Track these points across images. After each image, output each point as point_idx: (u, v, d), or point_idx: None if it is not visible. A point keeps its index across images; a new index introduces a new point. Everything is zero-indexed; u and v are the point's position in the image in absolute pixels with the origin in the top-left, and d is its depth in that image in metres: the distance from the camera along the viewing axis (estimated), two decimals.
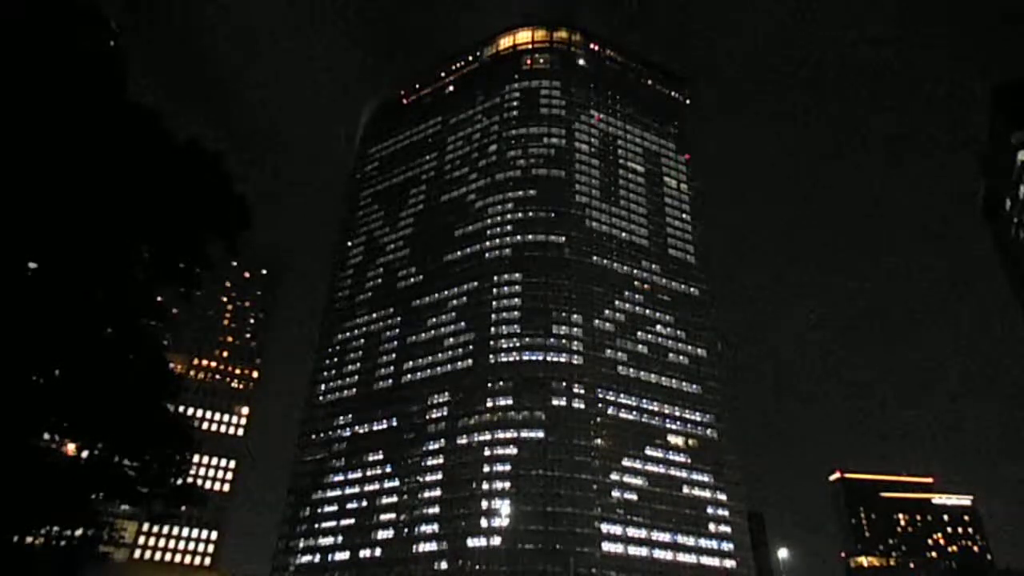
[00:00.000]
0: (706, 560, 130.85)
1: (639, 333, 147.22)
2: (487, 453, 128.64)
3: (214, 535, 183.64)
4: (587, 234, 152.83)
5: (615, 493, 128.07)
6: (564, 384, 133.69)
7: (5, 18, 18.72)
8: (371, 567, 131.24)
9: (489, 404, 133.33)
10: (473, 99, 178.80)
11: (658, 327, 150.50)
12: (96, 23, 20.83)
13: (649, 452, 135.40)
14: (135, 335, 22.17)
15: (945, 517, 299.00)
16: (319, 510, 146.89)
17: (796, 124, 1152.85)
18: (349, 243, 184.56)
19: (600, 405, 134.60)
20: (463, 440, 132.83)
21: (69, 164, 18.97)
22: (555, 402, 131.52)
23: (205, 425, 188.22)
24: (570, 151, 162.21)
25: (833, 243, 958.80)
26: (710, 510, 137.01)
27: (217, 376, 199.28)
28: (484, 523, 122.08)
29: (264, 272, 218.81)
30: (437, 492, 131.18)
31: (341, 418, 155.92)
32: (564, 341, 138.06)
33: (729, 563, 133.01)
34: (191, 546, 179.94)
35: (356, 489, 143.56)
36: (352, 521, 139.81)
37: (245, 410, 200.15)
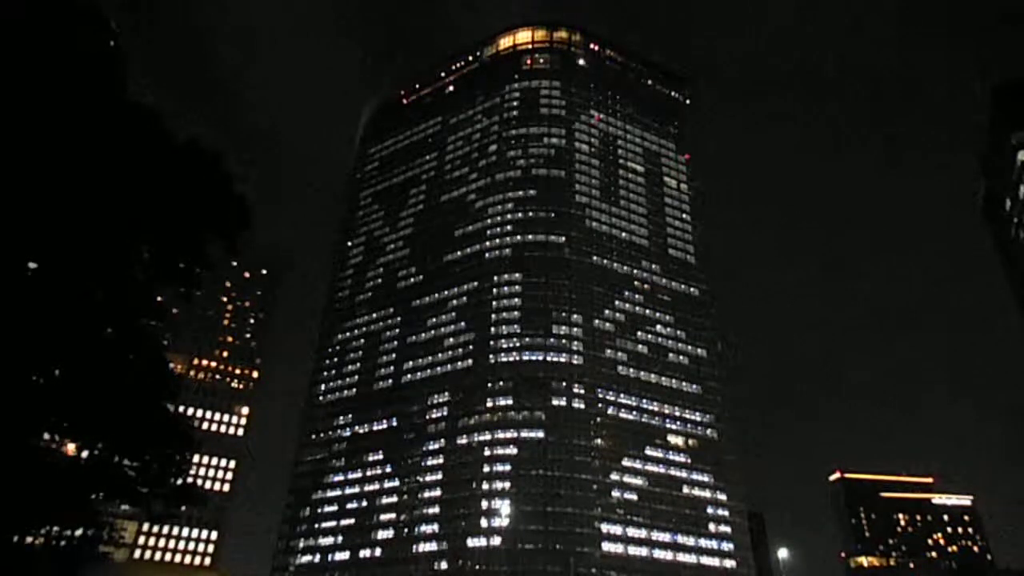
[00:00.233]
0: (706, 560, 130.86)
1: (639, 333, 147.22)
2: (487, 453, 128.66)
3: (214, 535, 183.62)
4: (587, 234, 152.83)
5: (615, 493, 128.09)
6: (564, 384, 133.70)
7: (5, 18, 18.72)
8: (371, 567, 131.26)
9: (489, 404, 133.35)
10: (473, 99, 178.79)
11: (658, 327, 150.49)
12: (96, 23, 20.81)
13: (649, 452, 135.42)
14: (135, 335, 22.15)
15: (945, 517, 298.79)
16: (319, 510, 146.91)
17: (796, 124, 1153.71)
18: (349, 243, 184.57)
19: (600, 405, 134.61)
20: (463, 440, 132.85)
21: (69, 164, 18.97)
22: (555, 402, 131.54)
23: (205, 425, 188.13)
24: (570, 151, 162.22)
25: (833, 243, 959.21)
26: (710, 510, 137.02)
27: (217, 376, 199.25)
28: (484, 523, 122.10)
29: (264, 272, 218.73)
30: (437, 492, 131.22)
31: (341, 418, 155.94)
32: (564, 341, 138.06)
33: (729, 563, 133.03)
34: (191, 546, 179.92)
35: (356, 489, 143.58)
36: (352, 521, 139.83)
37: (245, 410, 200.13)
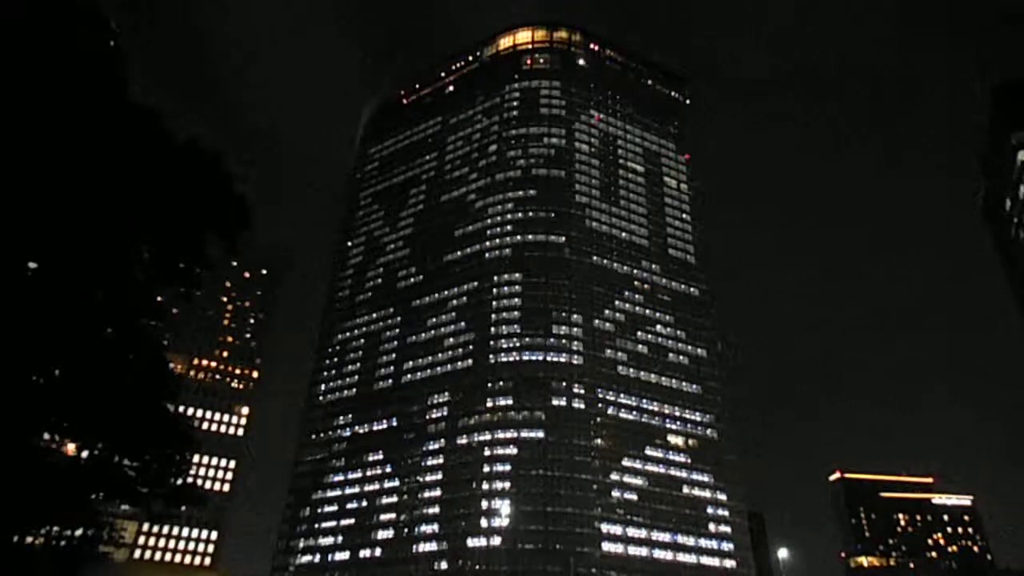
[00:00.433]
0: (706, 560, 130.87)
1: (639, 333, 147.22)
2: (487, 453, 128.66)
3: (214, 535, 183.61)
4: (587, 234, 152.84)
5: (615, 493, 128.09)
6: (564, 384, 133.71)
7: (5, 18, 18.71)
8: (371, 567, 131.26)
9: (489, 404, 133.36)
10: (473, 99, 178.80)
11: (658, 327, 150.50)
12: (96, 23, 20.80)
13: (649, 452, 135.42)
14: (135, 335, 22.15)
15: (945, 517, 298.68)
16: (319, 510, 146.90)
17: (796, 124, 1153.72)
18: (349, 243, 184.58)
19: (600, 405, 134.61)
20: (463, 440, 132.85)
21: (69, 164, 18.97)
22: (555, 402, 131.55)
23: (205, 425, 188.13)
24: (570, 151, 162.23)
25: (833, 243, 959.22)
26: (710, 510, 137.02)
27: (217, 376, 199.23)
28: (484, 523, 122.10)
29: (264, 272, 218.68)
30: (437, 492, 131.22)
31: (341, 418, 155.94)
32: (564, 341, 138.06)
33: (729, 563, 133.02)
34: (191, 546, 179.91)
35: (356, 489, 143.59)
36: (352, 521, 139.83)
37: (245, 410, 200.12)
